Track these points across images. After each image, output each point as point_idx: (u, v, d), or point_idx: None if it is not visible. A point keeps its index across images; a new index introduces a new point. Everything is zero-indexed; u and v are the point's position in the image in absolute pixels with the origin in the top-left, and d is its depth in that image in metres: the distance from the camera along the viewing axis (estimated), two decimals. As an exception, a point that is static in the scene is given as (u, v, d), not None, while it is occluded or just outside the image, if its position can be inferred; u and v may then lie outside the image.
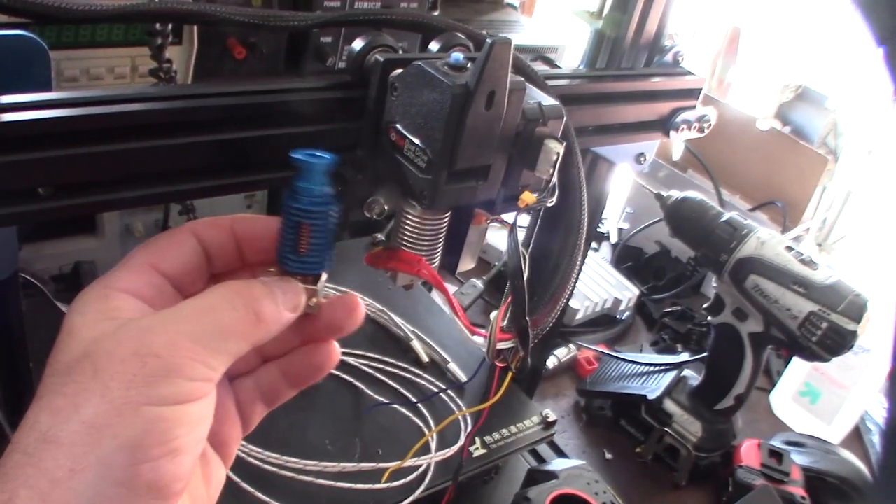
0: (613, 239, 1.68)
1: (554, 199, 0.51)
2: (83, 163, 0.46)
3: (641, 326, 1.49)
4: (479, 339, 1.05)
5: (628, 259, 1.62)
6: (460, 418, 0.86)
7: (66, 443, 0.31)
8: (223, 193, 0.53)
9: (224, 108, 0.50)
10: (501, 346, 0.52)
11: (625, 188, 1.68)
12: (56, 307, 0.80)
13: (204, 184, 0.52)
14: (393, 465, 0.76)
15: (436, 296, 1.16)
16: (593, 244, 1.64)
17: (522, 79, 0.49)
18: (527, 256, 0.52)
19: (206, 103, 0.50)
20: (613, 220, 1.69)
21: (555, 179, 0.51)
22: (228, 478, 0.72)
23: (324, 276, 0.42)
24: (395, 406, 0.86)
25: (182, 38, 1.00)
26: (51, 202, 0.46)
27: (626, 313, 1.45)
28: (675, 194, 1.09)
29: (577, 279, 0.69)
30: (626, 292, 1.42)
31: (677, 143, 1.63)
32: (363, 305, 0.43)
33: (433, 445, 0.82)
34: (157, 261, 0.40)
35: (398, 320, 0.99)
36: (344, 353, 0.92)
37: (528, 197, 0.50)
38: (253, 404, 0.43)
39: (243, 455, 0.75)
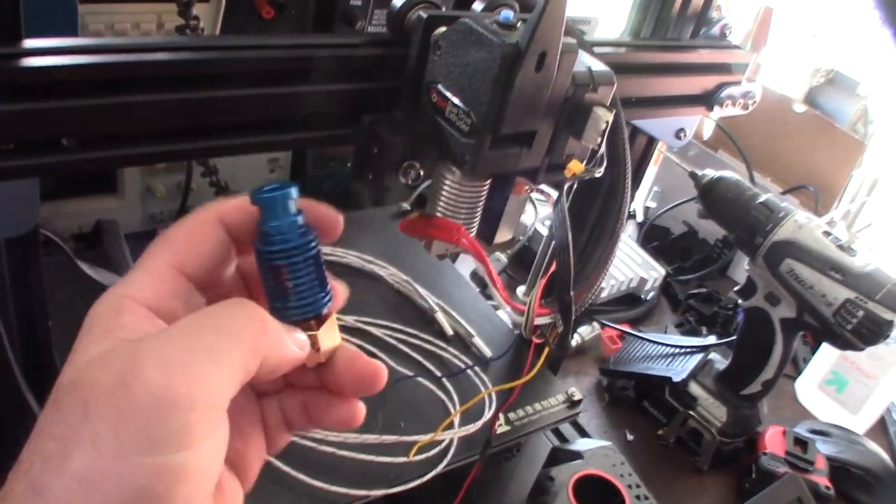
0: (640, 218, 1.65)
1: (602, 169, 0.48)
2: (110, 113, 0.44)
3: (666, 307, 1.46)
4: (505, 315, 1.03)
5: (654, 238, 1.59)
6: (486, 395, 0.84)
7: (56, 498, 0.27)
8: (253, 151, 0.51)
9: (256, 61, 0.48)
10: (539, 321, 0.50)
11: (652, 166, 1.64)
12: (76, 266, 0.79)
13: (232, 141, 0.50)
14: (421, 438, 0.74)
15: (460, 266, 1.14)
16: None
17: (575, 41, 0.46)
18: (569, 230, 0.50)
19: (239, 56, 0.48)
20: (640, 199, 1.66)
21: (603, 149, 0.48)
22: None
23: (332, 315, 0.37)
24: (421, 380, 0.84)
25: (210, -4, 0.98)
26: (75, 154, 0.44)
27: (651, 293, 1.42)
28: (710, 173, 1.06)
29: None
30: (652, 272, 1.40)
31: (708, 122, 1.60)
32: (385, 372, 0.37)
33: (457, 421, 0.80)
34: (181, 261, 0.35)
35: (422, 291, 0.97)
36: (366, 323, 0.90)
37: (576, 166, 0.48)
38: (279, 427, 0.39)
39: (263, 423, 0.74)
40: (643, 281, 1.38)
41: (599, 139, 0.48)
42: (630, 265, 1.39)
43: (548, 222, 1.35)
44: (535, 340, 0.52)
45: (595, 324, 1.28)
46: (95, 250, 0.90)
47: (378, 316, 0.92)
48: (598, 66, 0.49)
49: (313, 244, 0.34)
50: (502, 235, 0.55)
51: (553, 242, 0.48)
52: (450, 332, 0.93)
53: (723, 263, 1.53)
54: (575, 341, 1.24)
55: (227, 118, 0.49)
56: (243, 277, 0.38)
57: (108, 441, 0.27)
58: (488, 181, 0.51)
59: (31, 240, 0.54)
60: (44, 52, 0.42)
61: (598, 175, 0.48)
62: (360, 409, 0.38)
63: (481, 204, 0.51)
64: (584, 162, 0.49)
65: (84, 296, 0.81)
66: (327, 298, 0.35)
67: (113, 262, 0.86)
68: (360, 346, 0.86)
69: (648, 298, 1.42)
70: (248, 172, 1.20)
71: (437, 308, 0.95)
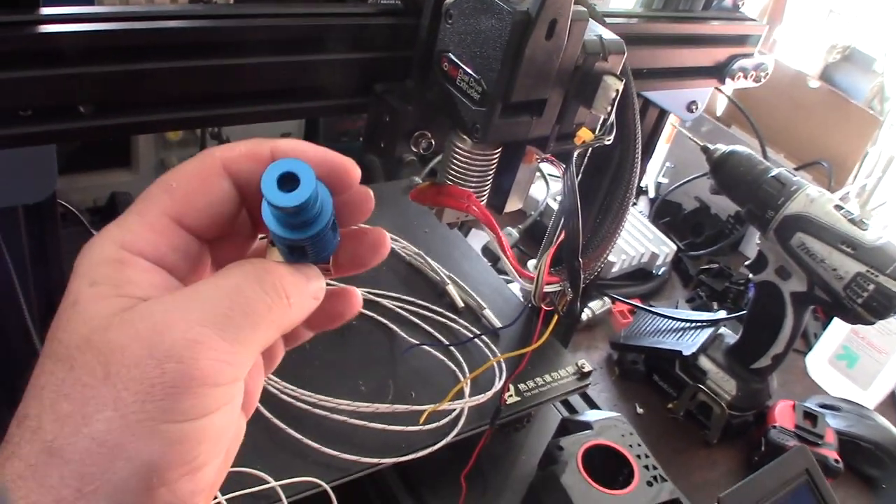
0: (651, 193, 1.65)
1: (612, 137, 0.49)
2: (125, 80, 0.44)
3: (677, 283, 1.46)
4: (515, 286, 1.04)
5: (666, 214, 1.59)
6: (494, 364, 0.85)
7: (75, 459, 0.27)
8: (266, 120, 0.52)
9: (269, 29, 0.49)
10: (548, 288, 0.51)
11: (665, 143, 1.64)
12: (93, 236, 0.80)
13: (245, 109, 0.51)
14: (430, 407, 0.75)
15: (472, 241, 1.15)
16: (631, 198, 1.61)
17: (585, 9, 0.47)
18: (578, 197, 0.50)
19: (252, 24, 0.48)
20: (652, 174, 1.66)
21: (613, 118, 0.48)
22: (261, 413, 0.72)
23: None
24: (431, 349, 0.85)
25: (223, -32, 0.98)
26: (92, 121, 0.45)
27: (663, 269, 1.42)
28: (723, 147, 1.06)
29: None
30: (664, 247, 1.40)
31: (721, 98, 1.60)
32: (390, 243, 0.37)
33: (467, 390, 0.81)
34: (181, 213, 0.32)
35: (434, 264, 0.98)
36: (378, 295, 0.91)
37: (586, 134, 0.48)
38: (277, 346, 0.38)
39: (276, 391, 0.75)
40: (654, 256, 1.39)
41: (609, 108, 0.48)
42: (641, 240, 1.39)
43: (559, 197, 1.35)
44: (545, 308, 0.53)
45: (606, 298, 1.28)
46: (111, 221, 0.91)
47: (390, 288, 0.93)
48: (609, 34, 0.50)
49: (330, 216, 0.31)
50: (512, 205, 0.55)
51: (562, 210, 0.48)
52: (461, 304, 0.94)
53: (734, 239, 1.53)
54: (586, 315, 1.25)
55: (239, 86, 0.49)
56: (251, 214, 0.35)
57: (132, 408, 0.27)
58: (498, 150, 0.51)
59: (49, 208, 0.55)
60: (61, 19, 0.42)
61: (607, 143, 0.48)
62: (358, 297, 0.37)
63: (492, 172, 0.52)
64: (599, 131, 0.49)
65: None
66: (338, 237, 0.34)
67: (128, 233, 0.86)
68: (371, 318, 0.87)
69: (660, 274, 1.42)
70: (260, 145, 1.21)
71: (448, 280, 0.96)
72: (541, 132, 0.49)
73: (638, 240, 1.39)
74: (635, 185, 0.56)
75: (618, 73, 0.49)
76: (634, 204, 1.60)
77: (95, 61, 0.43)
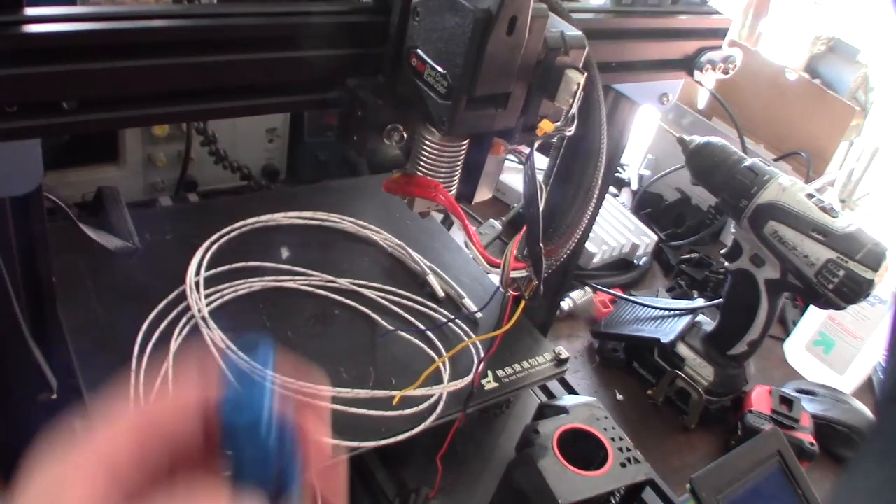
0: (634, 185, 1.67)
1: (573, 128, 0.51)
2: (109, 77, 0.47)
3: (658, 272, 1.49)
4: (495, 278, 1.06)
5: (648, 205, 1.61)
6: (473, 351, 0.87)
7: None
8: (243, 114, 0.54)
9: (245, 27, 0.51)
10: (515, 274, 0.53)
11: (646, 134, 1.66)
12: (80, 230, 0.81)
13: (222, 104, 0.53)
14: (404, 390, 0.77)
15: (454, 232, 1.17)
16: (613, 189, 1.64)
17: (545, 6, 0.49)
18: (543, 187, 0.52)
19: (229, 23, 0.50)
20: (634, 167, 1.68)
21: (574, 109, 0.51)
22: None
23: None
24: (409, 336, 0.87)
25: (206, -34, 1.00)
26: (75, 116, 0.47)
27: (644, 259, 1.45)
28: (698, 139, 1.08)
29: (595, 213, 0.69)
30: (645, 238, 1.42)
31: (703, 91, 1.62)
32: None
33: (446, 376, 0.83)
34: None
35: (414, 255, 1.00)
36: (360, 285, 0.93)
37: (546, 125, 0.50)
38: None
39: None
40: (635, 246, 1.41)
41: (571, 100, 0.50)
42: (623, 231, 1.41)
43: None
44: (512, 293, 0.55)
45: (587, 288, 1.31)
46: (97, 217, 0.93)
47: (372, 278, 0.95)
48: (571, 30, 0.52)
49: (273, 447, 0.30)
50: (482, 194, 0.57)
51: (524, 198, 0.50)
52: (441, 293, 0.96)
53: (715, 229, 1.56)
54: (567, 305, 1.27)
55: (217, 83, 0.51)
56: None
57: None
58: (466, 141, 0.54)
59: (35, 199, 0.57)
60: (45, 19, 0.44)
61: (568, 133, 0.51)
62: None
63: (460, 163, 0.54)
64: (560, 122, 0.52)
65: (87, 257, 0.84)
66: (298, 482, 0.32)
67: (114, 227, 0.88)
68: (352, 307, 0.89)
69: (641, 264, 1.44)
70: (246, 142, 1.23)
71: (428, 271, 0.98)
72: (506, 124, 0.52)
73: (619, 230, 1.41)
74: (601, 173, 0.58)
75: (580, 66, 0.52)
76: (616, 195, 1.63)
77: (77, 60, 0.45)
